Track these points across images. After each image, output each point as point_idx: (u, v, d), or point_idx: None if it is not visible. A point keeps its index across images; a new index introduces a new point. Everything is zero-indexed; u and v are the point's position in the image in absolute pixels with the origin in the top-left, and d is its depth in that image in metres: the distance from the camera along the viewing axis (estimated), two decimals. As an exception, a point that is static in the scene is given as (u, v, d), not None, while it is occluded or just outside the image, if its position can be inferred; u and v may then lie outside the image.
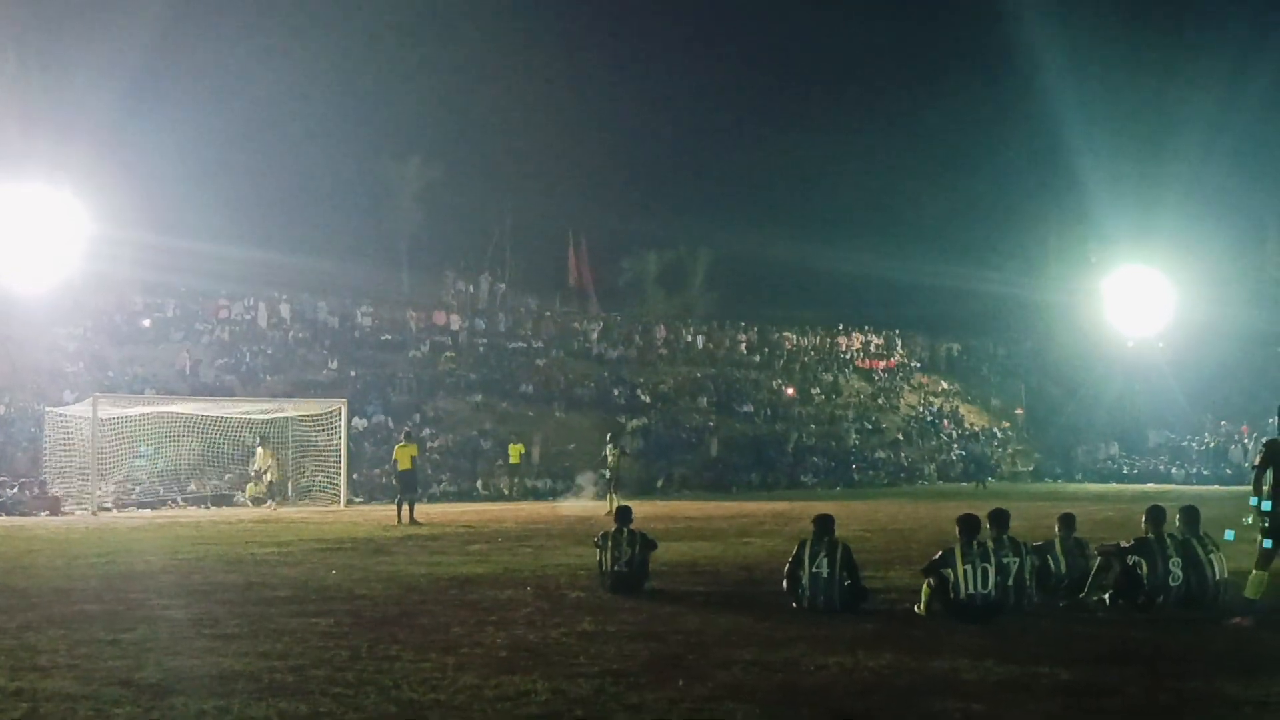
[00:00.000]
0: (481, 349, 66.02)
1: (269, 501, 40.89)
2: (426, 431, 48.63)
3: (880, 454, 68.01)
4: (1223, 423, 71.13)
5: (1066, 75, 79.73)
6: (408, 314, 67.04)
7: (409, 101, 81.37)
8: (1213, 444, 68.10)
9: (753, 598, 15.93)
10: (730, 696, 9.67)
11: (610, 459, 38.24)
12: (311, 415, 45.07)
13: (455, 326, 67.26)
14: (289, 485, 44.77)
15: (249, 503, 42.87)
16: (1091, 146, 79.12)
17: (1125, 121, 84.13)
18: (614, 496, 35.91)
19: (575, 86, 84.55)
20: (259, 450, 41.63)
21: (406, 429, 42.73)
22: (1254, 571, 13.40)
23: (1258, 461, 13.78)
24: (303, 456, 45.55)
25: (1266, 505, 13.52)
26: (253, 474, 43.62)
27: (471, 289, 74.43)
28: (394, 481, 37.28)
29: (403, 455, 34.96)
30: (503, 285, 77.47)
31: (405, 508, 33.64)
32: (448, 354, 63.57)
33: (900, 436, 71.36)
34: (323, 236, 71.78)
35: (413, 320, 66.63)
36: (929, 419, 75.51)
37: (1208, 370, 73.42)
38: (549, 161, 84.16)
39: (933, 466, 68.02)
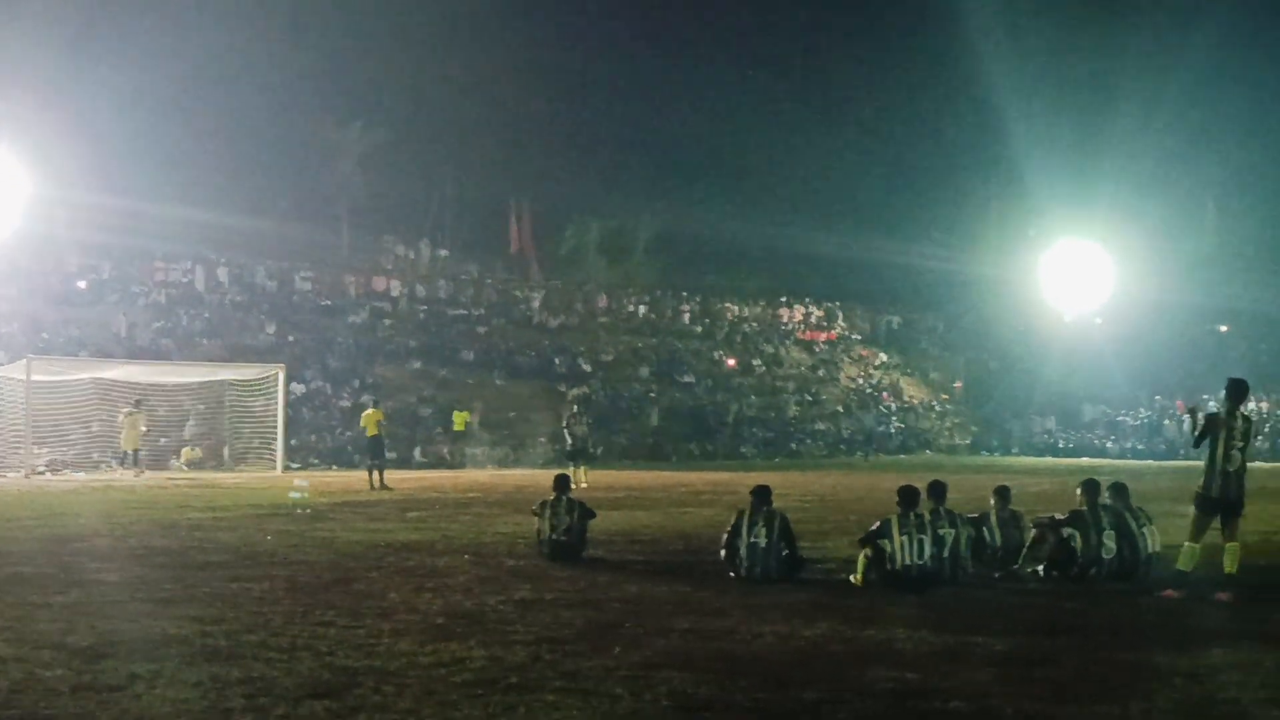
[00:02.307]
0: (422, 315, 65.77)
1: (134, 468, 39.44)
2: (365, 398, 48.36)
3: (820, 425, 68.24)
4: (1157, 398, 71.80)
5: (1005, 50, 80.00)
6: (347, 279, 66.70)
7: (353, 65, 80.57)
8: (1147, 419, 68.73)
9: (691, 567, 15.96)
10: (666, 664, 9.67)
11: (575, 428, 37.20)
12: (248, 380, 44.74)
13: (395, 292, 67.00)
14: (225, 451, 44.55)
15: (184, 467, 42.65)
16: (1030, 121, 79.50)
17: (1063, 96, 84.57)
18: (579, 468, 35.12)
19: (520, 54, 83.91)
20: (122, 415, 40.62)
21: (374, 397, 42.44)
22: (1186, 544, 13.52)
23: (1197, 433, 13.89)
24: (239, 422, 45.27)
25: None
26: (188, 439, 43.39)
27: (412, 255, 74.20)
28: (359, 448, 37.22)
29: (369, 421, 34.89)
30: (444, 251, 77.25)
31: (375, 473, 33.74)
32: (387, 320, 63.33)
33: (840, 409, 71.62)
34: (262, 199, 71.06)
35: (352, 285, 66.30)
36: (868, 391, 75.85)
37: (1144, 346, 74.00)
38: (492, 128, 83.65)
39: (872, 443, 68.29)
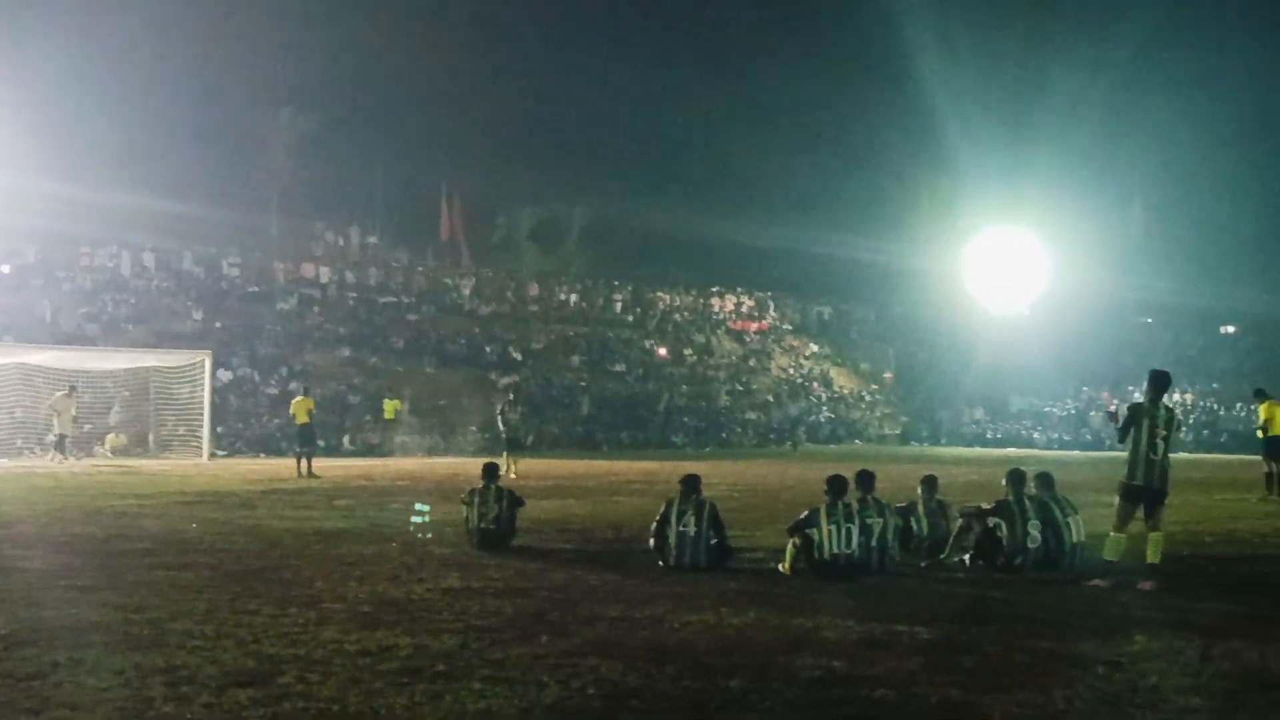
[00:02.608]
0: (351, 302, 65.50)
1: (53, 454, 39.11)
2: (293, 385, 48.11)
3: (751, 415, 68.43)
4: (1084, 389, 72.52)
5: (937, 42, 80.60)
6: (276, 265, 66.26)
7: (283, 50, 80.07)
8: (1074, 410, 69.38)
9: (620, 555, 15.94)
10: (594, 652, 9.66)
11: (509, 417, 36.42)
12: (174, 367, 44.37)
13: (325, 279, 66.66)
14: (150, 438, 44.17)
15: (109, 454, 42.27)
16: (962, 114, 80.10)
17: (994, 89, 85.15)
18: (511, 457, 34.85)
19: (452, 41, 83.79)
20: (56, 398, 40.08)
21: (305, 385, 42.16)
22: (1111, 533, 13.63)
23: (1119, 424, 14.01)
24: (164, 409, 44.88)
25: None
26: (112, 426, 42.99)
27: (342, 242, 73.85)
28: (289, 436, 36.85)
29: (300, 409, 34.65)
30: (374, 238, 76.93)
31: (304, 461, 33.57)
32: (316, 307, 62.95)
33: (771, 398, 71.83)
34: (190, 184, 70.35)
35: (281, 272, 65.90)
36: (799, 381, 76.10)
37: (1071, 337, 74.71)
38: (424, 115, 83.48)
39: (802, 428, 68.56)
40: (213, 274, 63.27)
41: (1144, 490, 13.57)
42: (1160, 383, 14.09)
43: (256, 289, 63.25)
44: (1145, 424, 13.58)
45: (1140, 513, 13.67)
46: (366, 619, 11.17)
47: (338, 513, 22.07)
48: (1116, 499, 13.77)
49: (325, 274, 67.17)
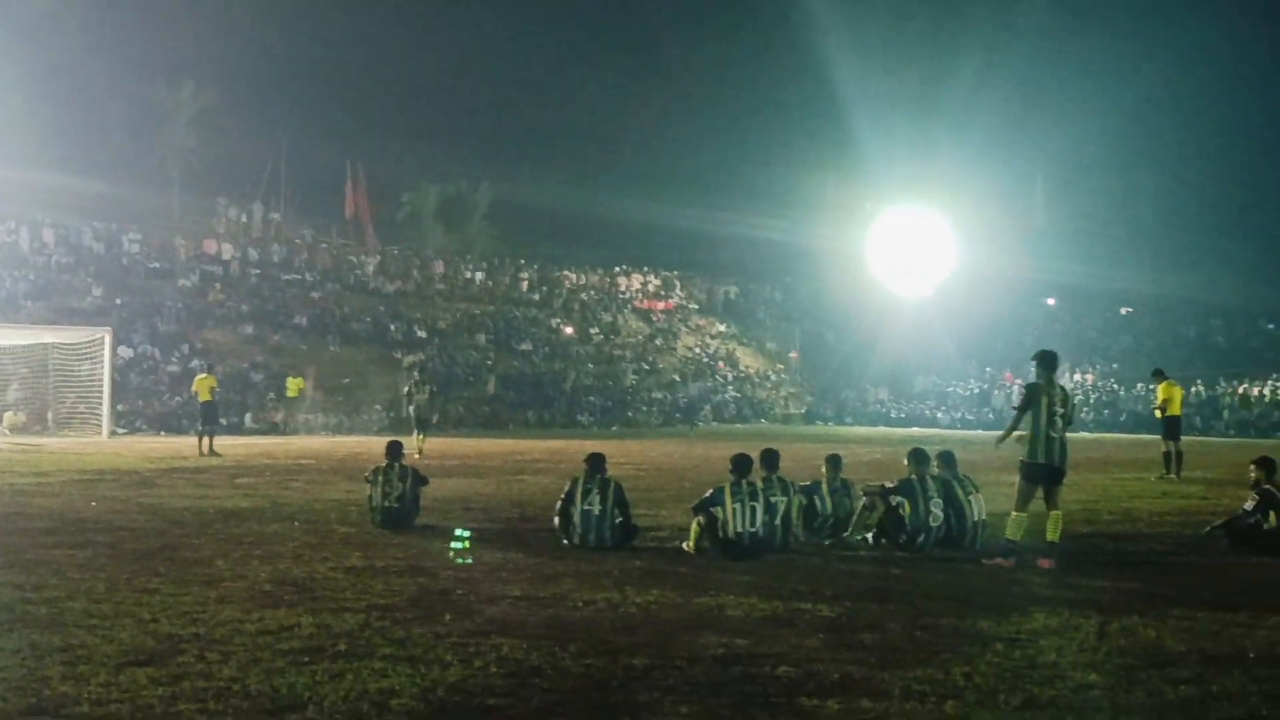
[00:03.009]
0: (254, 279, 64.86)
1: None
2: (195, 363, 47.59)
3: (657, 394, 68.52)
4: (987, 369, 73.28)
5: (842, 21, 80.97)
6: (177, 241, 65.46)
7: (185, 24, 79.10)
8: (977, 390, 70.09)
9: (524, 534, 15.91)
10: (497, 631, 9.63)
11: (417, 396, 35.92)
12: (73, 344, 43.75)
13: (227, 256, 65.95)
14: (49, 416, 43.57)
15: (6, 432, 41.65)
16: (867, 94, 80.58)
17: (899, 70, 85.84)
18: (420, 436, 34.62)
19: (357, 16, 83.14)
20: None
21: (207, 362, 41.68)
22: (1013, 513, 13.76)
23: (1018, 404, 14.14)
24: (63, 386, 44.27)
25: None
26: (10, 403, 42.36)
27: (245, 218, 73.03)
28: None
29: (202, 387, 34.25)
30: (277, 215, 76.16)
31: (205, 439, 33.18)
32: (218, 284, 62.30)
33: (677, 378, 71.96)
34: (90, 159, 69.49)
35: (182, 248, 65.12)
36: (705, 360, 76.29)
37: (974, 318, 75.47)
38: (328, 90, 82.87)
39: (708, 407, 68.75)
40: (113, 250, 62.40)
41: (1045, 468, 13.71)
42: (1050, 362, 14.26)
43: (158, 265, 62.45)
44: (1044, 403, 13.73)
45: (1039, 492, 13.82)
46: (267, 598, 11.08)
47: (239, 491, 21.87)
48: (1017, 479, 13.91)
49: (228, 250, 66.47)
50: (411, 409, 35.64)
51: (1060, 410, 13.76)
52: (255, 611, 10.38)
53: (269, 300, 63.03)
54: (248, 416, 49.85)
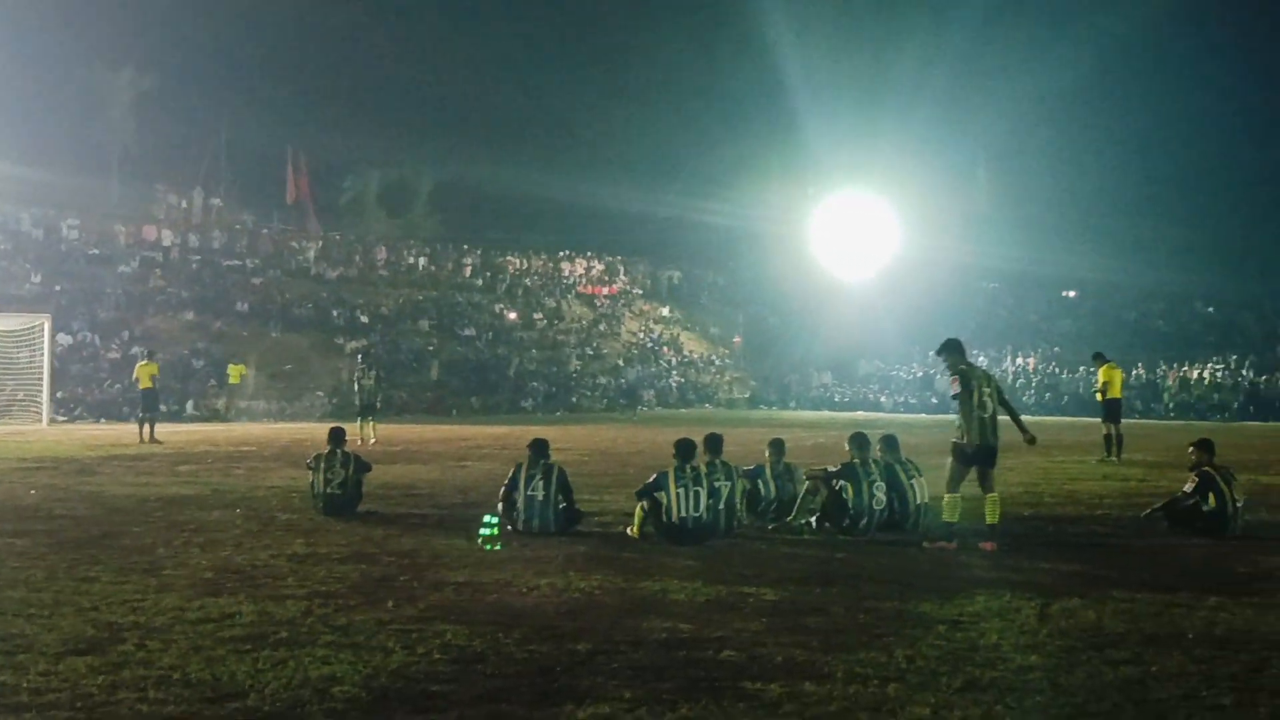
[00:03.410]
0: (195, 266, 64.50)
1: None
2: (135, 350, 47.24)
3: (601, 379, 68.53)
4: (930, 353, 73.50)
5: (785, 5, 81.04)
6: (116, 228, 64.98)
7: (122, 8, 78.28)
8: (920, 374, 70.39)
9: (468, 520, 15.82)
10: (440, 617, 9.61)
11: (364, 383, 35.11)
12: (12, 331, 43.31)
13: (167, 242, 65.54)
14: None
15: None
16: (811, 79, 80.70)
17: (842, 53, 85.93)
18: (367, 424, 33.90)
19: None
20: None
21: (148, 349, 41.24)
22: (947, 495, 13.83)
23: (958, 392, 14.17)
24: (2, 374, 43.84)
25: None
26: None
27: (185, 204, 72.50)
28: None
29: (144, 374, 34.03)
30: (217, 201, 75.59)
31: (146, 426, 32.96)
32: (159, 270, 61.83)
33: (621, 362, 71.99)
34: (28, 145, 68.55)
35: (122, 235, 64.70)
36: (649, 345, 76.35)
37: (917, 302, 75.75)
38: (268, 74, 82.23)
39: (652, 392, 68.82)
40: (52, 236, 61.93)
41: (980, 449, 13.78)
42: (959, 347, 14.42)
43: (97, 252, 62.01)
44: (976, 385, 13.83)
45: (973, 474, 13.88)
46: (209, 585, 11.02)
47: (181, 479, 21.74)
48: (950, 461, 13.96)
49: (168, 237, 66.05)
50: (358, 395, 35.23)
51: (989, 390, 13.85)
52: (196, 599, 10.33)
53: (210, 287, 62.66)
54: (189, 404, 49.58)
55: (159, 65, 78.74)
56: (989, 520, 13.68)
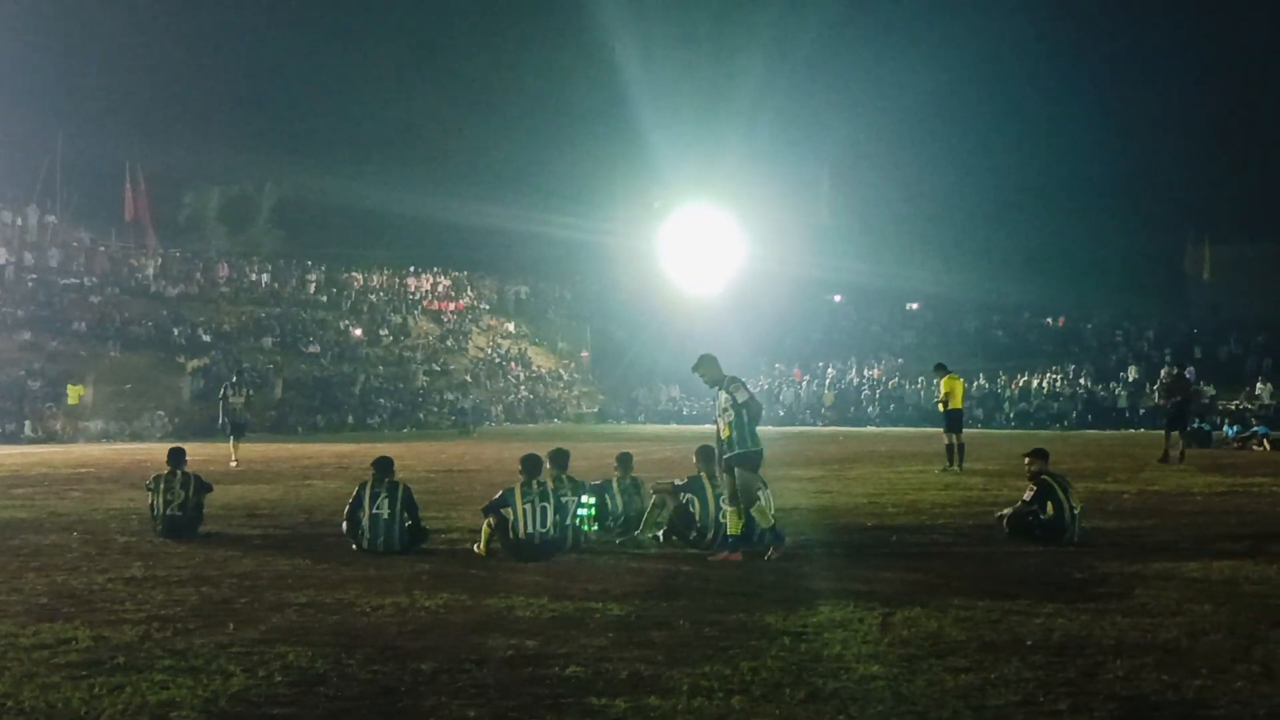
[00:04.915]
0: (30, 284, 63.03)
1: None
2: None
3: (449, 395, 68.26)
4: (778, 366, 74.32)
5: (630, 20, 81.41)
6: (-51, 246, 63.37)
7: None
8: (766, 386, 71.02)
9: (311, 540, 15.69)
10: (282, 639, 9.48)
11: (234, 401, 34.06)
12: None
13: (1, 260, 63.95)
14: None
15: None
16: (655, 92, 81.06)
17: (687, 67, 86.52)
18: (236, 442, 33.13)
19: (134, 10, 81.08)
20: None
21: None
22: (751, 505, 13.85)
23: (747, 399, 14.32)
24: None
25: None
26: None
27: (20, 221, 70.79)
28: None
29: None
30: (53, 218, 73.95)
31: None
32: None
33: (469, 378, 71.76)
34: None
35: (-46, 253, 63.06)
36: (497, 361, 76.20)
37: (764, 315, 76.46)
38: (104, 88, 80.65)
39: (500, 408, 68.67)
40: (-117, 255, 60.27)
41: (760, 453, 14.02)
42: (716, 362, 14.66)
43: (-72, 270, 60.50)
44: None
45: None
46: (43, 611, 10.79)
47: (15, 502, 21.25)
48: (736, 474, 13.93)
49: (2, 255, 64.49)
50: (225, 415, 34.11)
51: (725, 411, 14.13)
52: (31, 625, 10.11)
53: (46, 306, 61.36)
54: (26, 425, 48.56)
55: (-11, 78, 76.95)
56: (765, 525, 13.82)
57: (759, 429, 14.09)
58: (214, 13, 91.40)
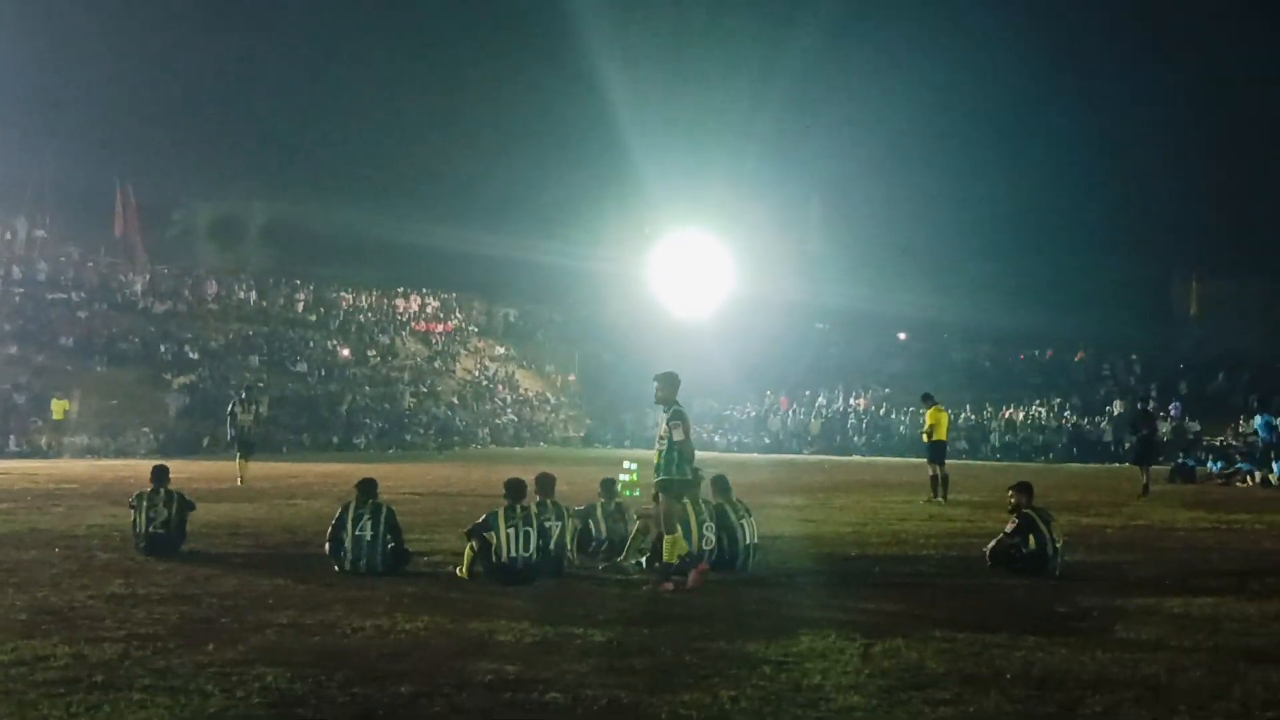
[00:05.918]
0: (17, 298, 62.86)
1: None
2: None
3: (437, 416, 68.20)
4: (768, 393, 74.29)
5: (621, 46, 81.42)
6: (-66, 259, 63.27)
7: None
8: (753, 413, 71.02)
9: (294, 560, 15.65)
10: (262, 660, 9.45)
11: (242, 417, 33.37)
12: None
13: (-11, 274, 63.88)
14: None
15: None
16: (647, 119, 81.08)
17: (678, 93, 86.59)
18: (244, 459, 32.53)
19: (127, 27, 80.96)
20: None
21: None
22: (666, 536, 13.76)
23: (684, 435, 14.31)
24: None
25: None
26: None
27: (8, 234, 70.69)
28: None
29: None
30: (42, 232, 73.81)
31: None
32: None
33: (456, 400, 71.70)
34: None
35: (-60, 266, 62.97)
36: (484, 383, 76.15)
37: (752, 342, 76.49)
38: (97, 103, 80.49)
39: (487, 430, 68.61)
40: None
41: (692, 481, 14.04)
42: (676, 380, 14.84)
43: (-85, 282, 60.38)
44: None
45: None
46: (23, 627, 10.75)
47: (-3, 517, 21.16)
48: (663, 501, 13.89)
49: (-11, 268, 64.44)
50: (233, 431, 33.71)
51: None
52: (9, 641, 10.06)
53: (33, 320, 61.17)
54: (11, 439, 48.45)
55: (-19, 91, 76.85)
56: (671, 558, 13.75)
57: (695, 459, 14.12)
58: (206, 32, 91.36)
